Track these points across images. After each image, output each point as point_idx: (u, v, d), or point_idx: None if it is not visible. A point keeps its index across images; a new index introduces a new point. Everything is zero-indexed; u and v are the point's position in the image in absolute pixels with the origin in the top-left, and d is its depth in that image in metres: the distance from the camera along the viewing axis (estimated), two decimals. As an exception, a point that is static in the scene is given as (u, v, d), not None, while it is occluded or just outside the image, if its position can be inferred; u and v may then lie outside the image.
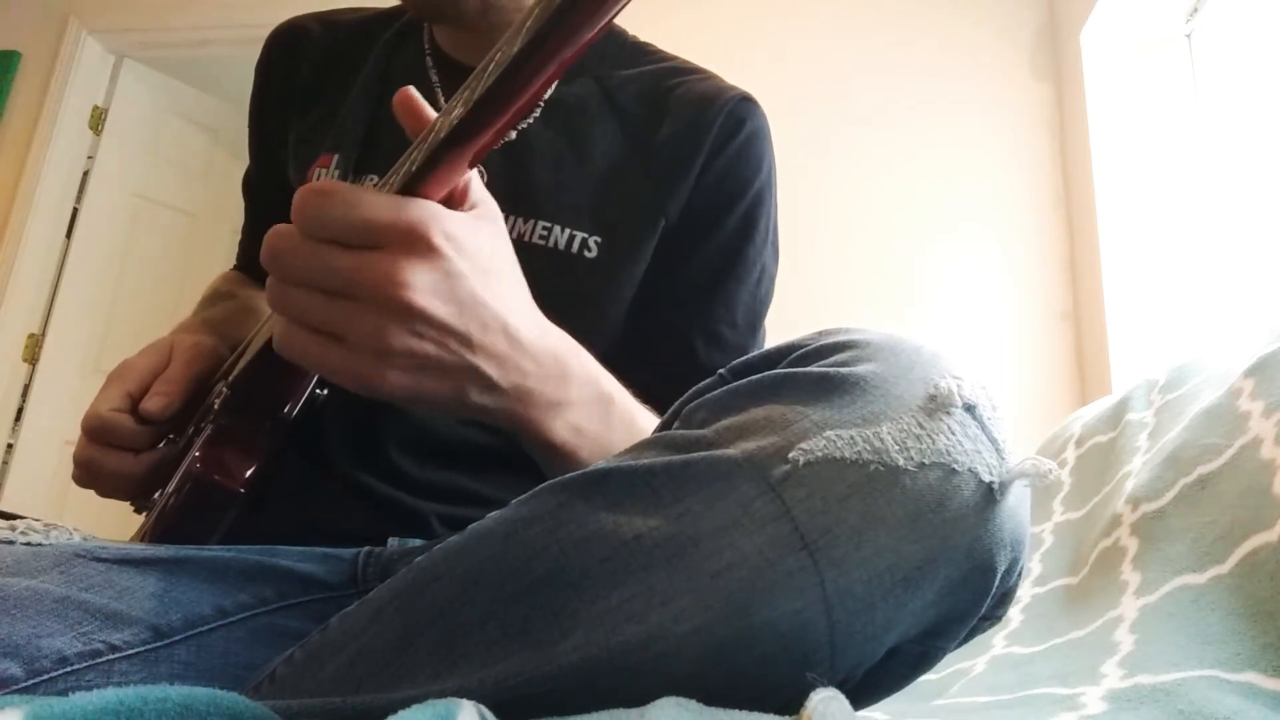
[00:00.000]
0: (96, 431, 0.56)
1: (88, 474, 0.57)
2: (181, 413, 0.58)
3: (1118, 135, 1.95)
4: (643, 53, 0.73)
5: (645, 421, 0.49)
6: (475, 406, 0.42)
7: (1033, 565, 0.76)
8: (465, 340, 0.39)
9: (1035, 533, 0.81)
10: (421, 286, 0.37)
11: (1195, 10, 1.91)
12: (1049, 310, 2.05)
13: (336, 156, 0.66)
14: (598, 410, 0.46)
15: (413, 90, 0.42)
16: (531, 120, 0.66)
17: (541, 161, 0.65)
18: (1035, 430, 1.21)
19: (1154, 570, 0.57)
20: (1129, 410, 0.82)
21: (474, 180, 0.42)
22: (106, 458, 0.56)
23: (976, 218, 2.13)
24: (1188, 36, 1.97)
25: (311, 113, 0.72)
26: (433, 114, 0.41)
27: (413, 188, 0.38)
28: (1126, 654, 0.50)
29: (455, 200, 0.41)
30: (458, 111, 0.34)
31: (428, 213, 0.37)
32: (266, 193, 0.78)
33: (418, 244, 0.37)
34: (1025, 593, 0.72)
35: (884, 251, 2.14)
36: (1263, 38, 1.74)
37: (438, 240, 0.37)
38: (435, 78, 0.69)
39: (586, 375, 0.46)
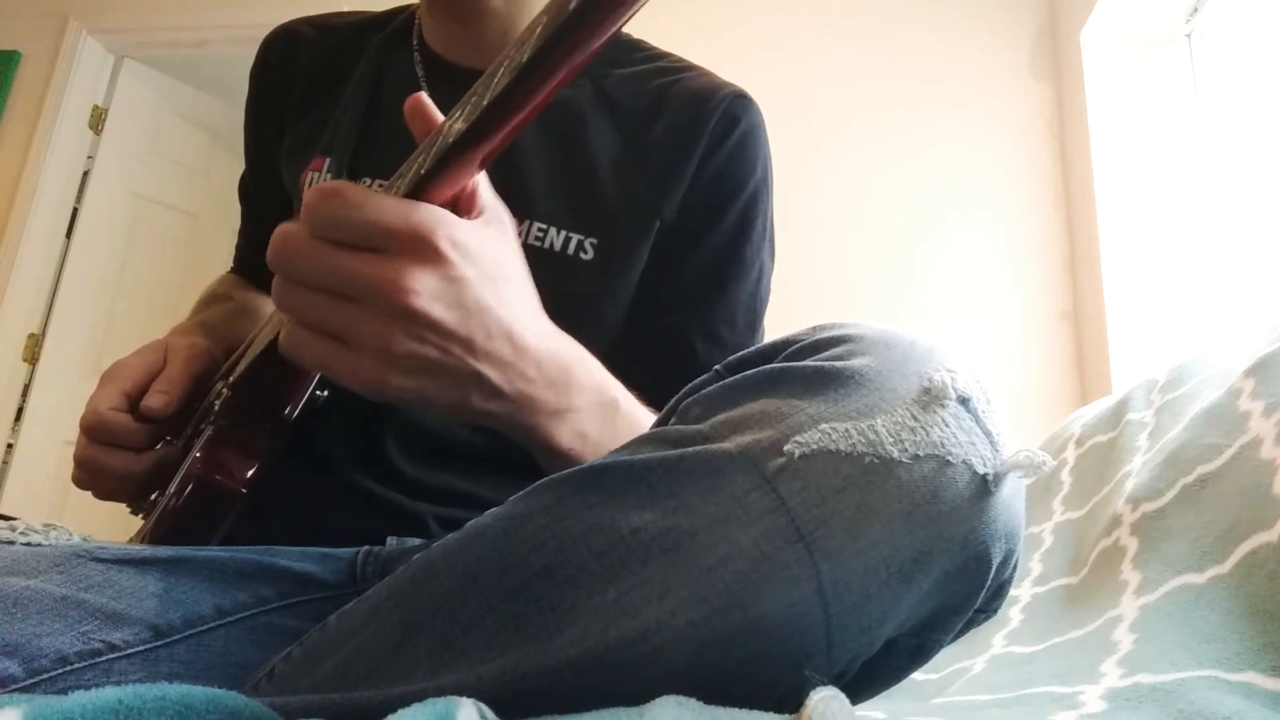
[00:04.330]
0: (96, 430, 0.56)
1: (88, 474, 0.57)
2: (180, 413, 0.58)
3: (1118, 135, 1.95)
4: (636, 50, 0.73)
5: (649, 425, 0.49)
6: (479, 411, 0.42)
7: (1033, 565, 0.76)
8: (469, 346, 0.39)
9: (1035, 532, 0.81)
10: (426, 292, 0.37)
11: (1195, 10, 1.91)
12: (1049, 310, 2.05)
13: (328, 159, 0.66)
14: (602, 416, 0.46)
15: (424, 96, 0.42)
16: None
17: (535, 162, 0.64)
18: (1035, 430, 1.21)
19: (1154, 570, 0.57)
20: (1129, 410, 0.82)
21: (483, 185, 0.42)
22: (107, 457, 0.56)
23: (976, 218, 2.13)
24: (1188, 36, 1.97)
25: (306, 117, 0.72)
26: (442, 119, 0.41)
27: (421, 190, 0.38)
28: (1126, 653, 0.49)
29: (463, 205, 0.41)
30: (466, 116, 0.35)
31: (435, 218, 0.37)
32: (263, 197, 0.78)
33: (424, 249, 0.37)
34: (1025, 592, 0.72)
35: (884, 251, 2.14)
36: (1263, 38, 1.74)
37: (444, 246, 0.37)
38: (423, 77, 0.69)
39: (592, 381, 0.46)
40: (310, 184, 0.66)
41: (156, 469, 0.58)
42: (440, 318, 0.37)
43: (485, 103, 0.33)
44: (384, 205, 0.37)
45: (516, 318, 0.41)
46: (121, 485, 0.58)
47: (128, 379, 0.58)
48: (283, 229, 0.38)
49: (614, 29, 0.31)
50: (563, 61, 0.31)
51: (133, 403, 0.57)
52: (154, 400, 0.56)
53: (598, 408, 0.46)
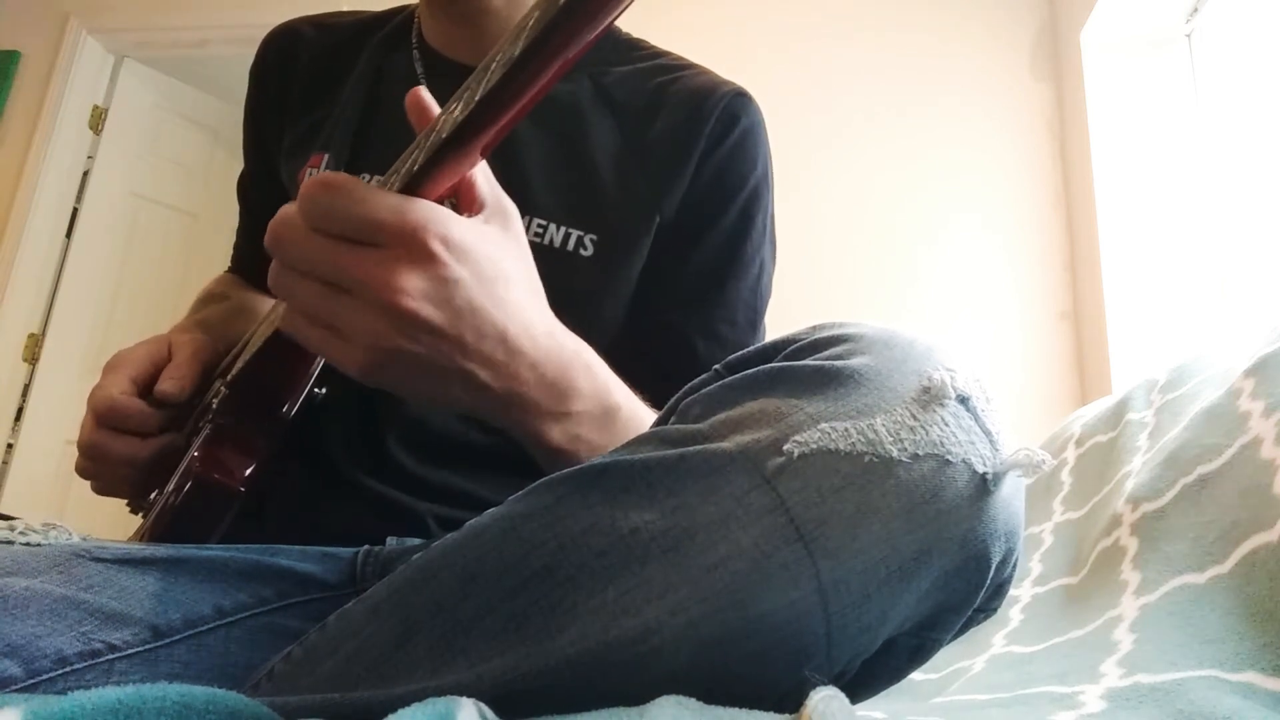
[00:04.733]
0: (108, 414, 0.56)
1: (94, 460, 0.57)
2: (185, 405, 0.58)
3: (1118, 135, 1.95)
4: (636, 48, 0.73)
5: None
6: (466, 404, 0.42)
7: (1033, 565, 0.76)
8: (459, 346, 0.39)
9: (1035, 532, 0.81)
10: (415, 292, 0.37)
11: (1195, 10, 1.91)
12: (1049, 310, 2.05)
13: (326, 156, 0.66)
14: (601, 422, 0.46)
15: (423, 90, 0.42)
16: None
17: (535, 159, 0.64)
18: (1035, 430, 1.21)
19: (1154, 570, 0.57)
20: (1129, 410, 0.82)
21: (485, 180, 0.42)
22: (113, 442, 0.56)
23: (976, 218, 2.13)
24: (1188, 36, 1.97)
25: (306, 116, 0.72)
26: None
27: (414, 186, 0.38)
28: (1126, 653, 0.49)
29: (463, 200, 0.41)
30: (459, 110, 0.35)
31: (429, 216, 0.37)
32: (262, 196, 0.78)
33: (416, 248, 0.37)
34: (1025, 592, 0.72)
35: (884, 251, 2.14)
36: (1263, 38, 1.74)
37: (435, 246, 0.37)
38: (422, 74, 0.69)
39: (593, 387, 0.46)
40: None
41: (160, 457, 0.58)
42: (429, 317, 0.37)
43: (478, 97, 0.33)
44: (379, 201, 0.37)
45: (512, 319, 0.40)
46: (125, 473, 0.58)
47: (134, 366, 0.58)
48: (283, 213, 0.38)
49: (604, 24, 0.31)
50: (554, 55, 0.31)
51: (141, 390, 0.57)
52: (168, 385, 0.56)
53: (598, 413, 0.46)
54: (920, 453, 0.31)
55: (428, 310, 0.37)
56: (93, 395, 0.57)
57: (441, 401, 0.42)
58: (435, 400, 0.42)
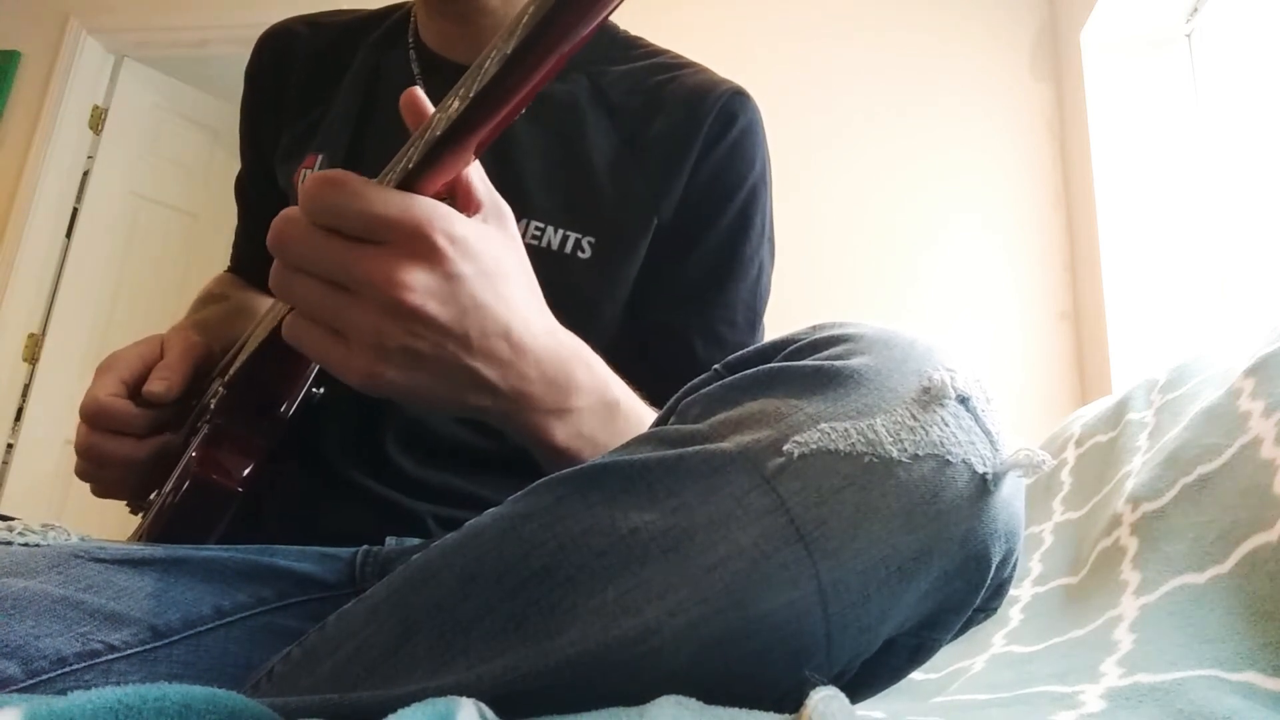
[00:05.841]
0: (97, 416, 0.56)
1: (91, 463, 0.57)
2: (180, 402, 0.58)
3: (1118, 135, 1.95)
4: (634, 47, 0.73)
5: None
6: (473, 407, 0.41)
7: (1032, 565, 0.76)
8: (464, 343, 0.39)
9: (1035, 532, 0.81)
10: (421, 288, 0.37)
11: (1195, 10, 1.91)
12: (1049, 310, 2.05)
13: (321, 156, 0.66)
14: (602, 416, 0.46)
15: (418, 90, 0.42)
16: (518, 117, 0.66)
17: (532, 160, 0.64)
18: (1035, 430, 1.21)
19: (1154, 570, 0.57)
20: (1129, 410, 0.82)
21: (481, 180, 0.42)
22: (108, 443, 0.56)
23: (977, 218, 2.13)
24: (1188, 36, 1.97)
25: (302, 115, 0.71)
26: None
27: (409, 184, 0.37)
28: (1126, 653, 0.49)
29: (460, 201, 0.41)
30: (454, 107, 0.34)
31: (434, 213, 0.37)
32: (259, 195, 0.78)
33: (421, 244, 0.37)
34: (1025, 592, 0.72)
35: (884, 252, 2.14)
36: (1263, 38, 1.74)
37: (441, 241, 0.37)
38: (418, 74, 0.69)
39: (593, 382, 0.46)
40: (303, 181, 0.66)
41: (158, 457, 0.58)
42: (435, 314, 0.37)
43: (473, 94, 0.33)
44: (383, 197, 0.36)
45: (515, 315, 0.40)
46: (124, 475, 0.58)
47: (125, 368, 0.58)
48: (284, 214, 0.38)
49: (598, 19, 0.31)
50: (549, 51, 0.31)
51: (131, 391, 0.57)
52: (156, 385, 0.56)
53: (599, 408, 0.46)
54: (920, 453, 0.31)
55: (433, 306, 0.37)
56: (83, 399, 0.57)
57: (446, 405, 0.41)
58: (439, 405, 0.41)
